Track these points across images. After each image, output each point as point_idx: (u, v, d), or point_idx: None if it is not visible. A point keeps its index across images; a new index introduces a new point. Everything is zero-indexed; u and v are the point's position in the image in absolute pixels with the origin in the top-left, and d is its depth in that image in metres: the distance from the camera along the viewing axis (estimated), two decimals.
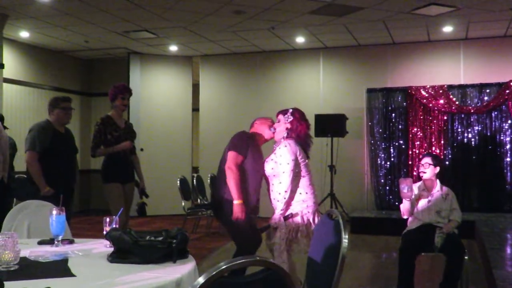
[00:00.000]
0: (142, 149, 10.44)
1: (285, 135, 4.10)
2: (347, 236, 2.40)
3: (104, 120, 5.36)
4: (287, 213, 3.95)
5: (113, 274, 2.22)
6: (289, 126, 4.10)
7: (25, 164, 4.92)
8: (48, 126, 4.99)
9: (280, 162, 3.95)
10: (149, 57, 10.95)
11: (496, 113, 9.33)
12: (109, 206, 5.33)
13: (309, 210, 3.97)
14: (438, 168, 4.74)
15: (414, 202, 4.68)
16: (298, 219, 3.95)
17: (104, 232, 2.82)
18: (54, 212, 2.81)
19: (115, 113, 5.45)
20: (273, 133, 4.30)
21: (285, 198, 3.91)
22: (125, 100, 5.48)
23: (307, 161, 4.09)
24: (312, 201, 4.01)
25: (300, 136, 4.11)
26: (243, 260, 1.70)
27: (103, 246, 2.79)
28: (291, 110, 4.18)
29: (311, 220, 3.97)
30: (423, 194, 4.71)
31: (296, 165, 3.96)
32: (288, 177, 3.91)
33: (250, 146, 4.19)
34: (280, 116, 4.20)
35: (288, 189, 3.91)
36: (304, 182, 4.02)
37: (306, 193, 4.00)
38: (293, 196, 3.96)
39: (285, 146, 3.97)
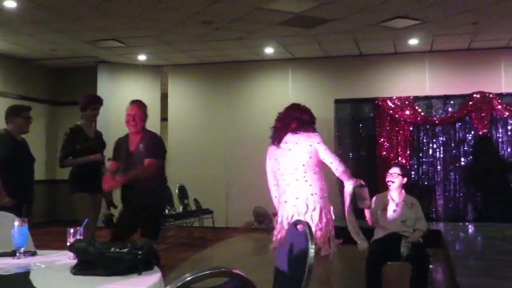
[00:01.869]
0: (109, 159, 10.30)
1: None
2: (314, 246, 2.40)
3: (73, 130, 5.28)
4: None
5: (76, 287, 2.18)
6: None
7: None
8: (7, 135, 4.91)
9: None
10: (118, 66, 10.85)
11: (460, 124, 9.53)
12: (76, 216, 5.24)
13: (281, 214, 4.10)
14: (405, 179, 4.82)
15: (375, 211, 4.75)
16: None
17: (68, 244, 2.77)
18: (16, 223, 2.75)
19: (85, 123, 5.38)
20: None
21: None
22: (96, 111, 5.43)
23: (284, 164, 4.11)
24: (277, 205, 4.16)
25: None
26: (208, 272, 1.69)
27: (67, 258, 2.73)
28: None
29: (277, 224, 4.10)
30: (389, 203, 4.77)
31: (274, 167, 4.18)
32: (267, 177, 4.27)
33: None
34: None
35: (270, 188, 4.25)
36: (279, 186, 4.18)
37: (275, 197, 4.18)
38: (273, 195, 4.25)
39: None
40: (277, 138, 4.19)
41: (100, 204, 5.44)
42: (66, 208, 10.07)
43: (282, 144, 4.11)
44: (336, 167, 4.13)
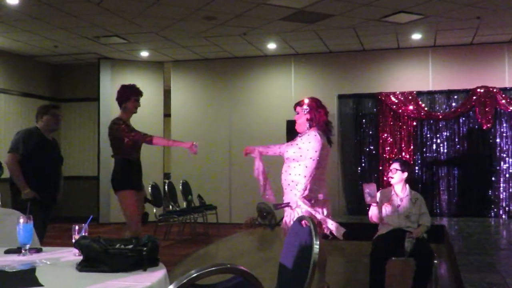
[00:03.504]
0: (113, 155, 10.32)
1: (308, 126, 4.17)
2: (318, 242, 2.40)
3: (123, 120, 5.03)
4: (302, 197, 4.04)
5: (81, 283, 2.18)
6: (308, 116, 4.17)
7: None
8: (35, 131, 4.95)
9: (307, 148, 4.03)
10: (120, 62, 10.85)
11: (463, 119, 9.51)
12: (124, 214, 4.99)
13: (320, 209, 4.09)
14: (406, 174, 4.80)
15: (380, 207, 4.74)
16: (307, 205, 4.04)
17: (73, 240, 2.78)
18: (21, 220, 2.76)
19: (125, 116, 5.09)
20: None
21: (304, 184, 3.99)
22: (137, 103, 5.13)
23: (327, 153, 4.16)
24: (320, 192, 4.10)
25: (320, 123, 4.18)
26: (214, 268, 1.69)
27: (72, 255, 2.73)
28: (307, 101, 4.24)
29: (319, 211, 4.07)
30: (393, 199, 4.76)
31: (320, 155, 4.04)
32: (312, 164, 3.99)
33: None
34: (298, 108, 4.24)
35: (309, 175, 3.99)
36: (317, 174, 4.11)
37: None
38: (313, 182, 4.05)
39: (315, 135, 4.06)
40: (325, 134, 4.18)
41: (143, 201, 5.29)
42: (69, 204, 10.11)
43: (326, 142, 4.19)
44: None
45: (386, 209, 4.75)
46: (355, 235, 8.42)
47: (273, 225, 9.64)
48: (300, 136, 4.17)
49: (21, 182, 4.76)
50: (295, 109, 4.30)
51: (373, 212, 4.70)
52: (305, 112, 4.17)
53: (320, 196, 4.12)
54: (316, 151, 3.99)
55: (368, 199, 4.54)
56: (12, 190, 4.86)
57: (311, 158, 3.98)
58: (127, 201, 4.92)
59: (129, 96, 5.08)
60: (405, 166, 4.85)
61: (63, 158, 5.31)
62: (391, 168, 4.85)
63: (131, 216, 4.93)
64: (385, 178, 9.38)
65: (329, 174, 9.97)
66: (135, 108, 5.12)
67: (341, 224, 4.35)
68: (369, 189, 4.52)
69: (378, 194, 4.71)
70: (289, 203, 4.06)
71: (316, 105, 4.23)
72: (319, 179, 4.11)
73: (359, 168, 9.95)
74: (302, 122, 4.20)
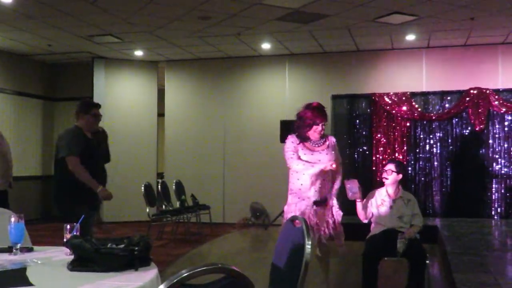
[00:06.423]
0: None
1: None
2: (310, 242, 2.41)
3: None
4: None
5: (72, 283, 2.18)
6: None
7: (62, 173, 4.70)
8: (79, 131, 4.77)
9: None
10: (114, 61, 10.82)
11: (456, 120, 9.54)
12: None
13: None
14: (401, 175, 4.81)
15: (365, 206, 4.76)
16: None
17: (65, 240, 2.77)
18: (13, 219, 2.75)
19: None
20: None
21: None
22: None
23: None
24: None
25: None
26: (205, 268, 1.69)
27: (63, 254, 2.73)
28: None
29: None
30: (386, 199, 4.77)
31: None
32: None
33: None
34: (324, 123, 4.49)
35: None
36: None
37: None
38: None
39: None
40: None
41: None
42: None
43: None
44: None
45: (379, 209, 4.77)
46: (347, 235, 8.47)
47: (266, 225, 9.65)
48: (327, 141, 4.48)
49: (93, 181, 4.56)
50: (323, 121, 4.40)
51: (358, 208, 4.73)
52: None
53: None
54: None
55: (349, 194, 4.57)
56: (65, 196, 4.68)
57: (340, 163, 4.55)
58: None
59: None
60: (401, 167, 4.86)
61: (110, 155, 5.13)
62: (386, 169, 4.85)
63: None
64: (378, 179, 9.39)
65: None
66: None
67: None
68: (350, 184, 4.54)
69: (370, 194, 4.73)
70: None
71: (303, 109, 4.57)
72: None
73: (352, 169, 9.95)
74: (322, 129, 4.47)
